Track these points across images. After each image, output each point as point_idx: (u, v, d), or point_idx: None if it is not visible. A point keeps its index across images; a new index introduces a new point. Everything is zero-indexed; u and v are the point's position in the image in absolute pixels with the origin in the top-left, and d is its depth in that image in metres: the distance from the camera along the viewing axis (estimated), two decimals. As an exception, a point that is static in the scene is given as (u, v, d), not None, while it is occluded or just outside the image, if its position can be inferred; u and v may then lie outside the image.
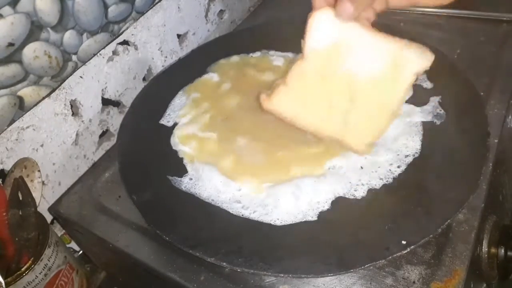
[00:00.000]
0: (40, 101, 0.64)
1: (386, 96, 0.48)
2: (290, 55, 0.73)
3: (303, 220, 0.51)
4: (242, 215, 0.53)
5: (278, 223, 0.51)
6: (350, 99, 0.49)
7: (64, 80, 0.67)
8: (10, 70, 0.59)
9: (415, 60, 0.45)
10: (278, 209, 0.52)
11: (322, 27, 0.46)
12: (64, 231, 0.71)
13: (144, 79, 0.82)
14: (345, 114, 0.50)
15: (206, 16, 0.93)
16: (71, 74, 0.68)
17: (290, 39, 0.75)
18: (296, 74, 0.49)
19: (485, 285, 0.58)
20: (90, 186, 0.65)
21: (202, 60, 0.75)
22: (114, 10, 0.70)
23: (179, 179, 0.58)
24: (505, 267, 0.54)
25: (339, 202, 0.52)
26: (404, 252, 0.45)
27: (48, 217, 0.66)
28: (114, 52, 0.74)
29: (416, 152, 0.55)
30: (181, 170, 0.59)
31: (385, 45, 0.45)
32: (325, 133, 0.52)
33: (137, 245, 0.56)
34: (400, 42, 0.45)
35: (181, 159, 0.61)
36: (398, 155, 0.55)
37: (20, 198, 0.58)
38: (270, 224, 0.51)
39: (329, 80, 0.48)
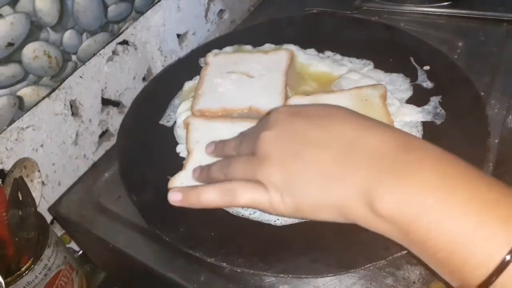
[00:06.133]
0: (39, 101, 0.64)
1: (375, 117, 0.57)
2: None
3: (303, 220, 0.51)
4: (242, 215, 0.53)
5: (278, 223, 0.51)
6: None
7: (63, 80, 0.67)
8: (9, 70, 0.59)
9: (372, 91, 0.60)
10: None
11: (297, 101, 0.61)
12: (64, 231, 0.71)
13: (144, 79, 0.82)
14: None
15: (206, 16, 0.93)
16: (70, 74, 0.68)
17: (289, 37, 0.75)
18: None
19: (485, 285, 0.58)
20: (90, 186, 0.65)
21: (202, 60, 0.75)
22: (113, 10, 0.70)
23: (179, 179, 0.58)
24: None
25: (339, 202, 0.52)
26: (404, 252, 0.45)
27: (48, 217, 0.66)
28: (114, 52, 0.74)
29: (416, 152, 0.55)
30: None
31: (348, 93, 0.60)
32: None
33: (137, 245, 0.56)
34: (357, 88, 0.61)
35: (181, 158, 0.61)
36: (398, 155, 0.55)
37: (20, 198, 0.58)
38: (270, 224, 0.51)
39: None
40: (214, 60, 0.69)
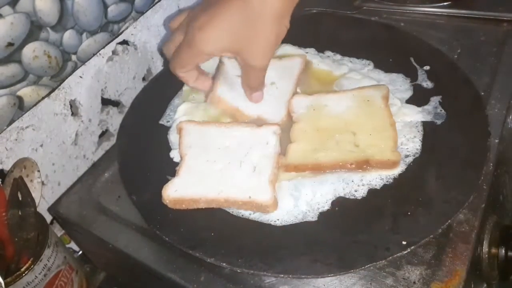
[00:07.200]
0: (39, 101, 0.64)
1: (376, 118, 0.57)
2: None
3: (303, 221, 0.51)
4: (242, 215, 0.53)
5: (278, 223, 0.51)
6: (351, 131, 0.56)
7: (63, 80, 0.67)
8: (9, 70, 0.59)
9: (375, 92, 0.60)
10: (277, 209, 0.52)
11: (299, 101, 0.62)
12: (63, 231, 0.71)
13: (144, 79, 0.82)
14: (353, 141, 0.55)
15: (206, 16, 0.92)
16: (70, 74, 0.68)
17: (289, 37, 0.75)
18: (296, 132, 0.58)
19: (485, 285, 0.58)
20: (90, 186, 0.65)
21: (202, 60, 0.75)
22: (113, 10, 0.70)
23: (179, 179, 0.58)
24: (506, 267, 0.54)
25: (339, 202, 0.52)
26: (405, 252, 0.45)
27: (48, 217, 0.66)
28: (114, 52, 0.74)
29: (417, 152, 0.55)
30: (181, 170, 0.59)
31: (350, 93, 0.61)
32: (350, 160, 0.54)
33: (137, 245, 0.56)
34: (360, 88, 0.62)
35: (177, 163, 0.60)
36: (399, 155, 0.55)
37: (20, 198, 0.58)
38: (270, 225, 0.51)
39: (323, 127, 0.58)
40: (229, 62, 0.67)
